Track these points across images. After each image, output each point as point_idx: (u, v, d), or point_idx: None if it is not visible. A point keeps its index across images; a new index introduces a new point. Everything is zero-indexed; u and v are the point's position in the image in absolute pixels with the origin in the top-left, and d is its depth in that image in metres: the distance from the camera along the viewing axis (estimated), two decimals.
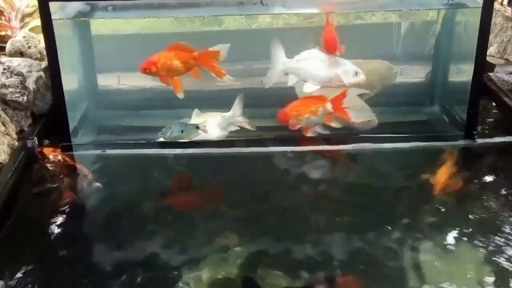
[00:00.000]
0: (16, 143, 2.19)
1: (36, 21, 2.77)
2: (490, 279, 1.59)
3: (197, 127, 2.27)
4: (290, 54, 2.31)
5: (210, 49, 2.20)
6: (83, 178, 2.11)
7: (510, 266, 1.63)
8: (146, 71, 2.21)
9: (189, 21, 2.64)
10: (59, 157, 2.17)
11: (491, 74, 2.69)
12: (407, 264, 1.66)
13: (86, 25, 2.47)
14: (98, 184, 2.07)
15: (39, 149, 2.20)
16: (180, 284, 1.58)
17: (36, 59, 2.46)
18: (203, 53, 2.21)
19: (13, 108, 2.28)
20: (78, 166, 2.19)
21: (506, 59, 2.87)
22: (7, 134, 2.16)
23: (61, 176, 2.10)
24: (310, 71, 2.26)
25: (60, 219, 1.86)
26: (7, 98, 2.26)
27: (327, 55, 2.25)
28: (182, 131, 2.27)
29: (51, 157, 2.17)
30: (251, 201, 2.01)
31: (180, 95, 2.27)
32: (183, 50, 2.21)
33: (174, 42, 2.22)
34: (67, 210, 1.91)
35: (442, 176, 2.06)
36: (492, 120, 2.50)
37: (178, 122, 2.30)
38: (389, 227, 1.81)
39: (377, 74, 2.43)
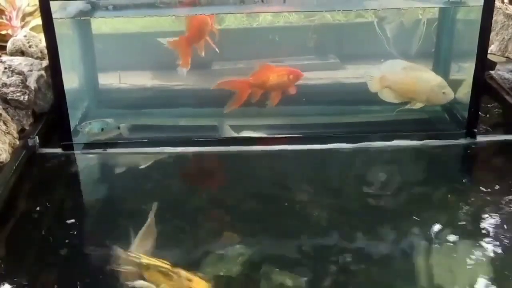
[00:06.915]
0: (18, 142, 2.20)
1: (37, 20, 2.77)
2: None
3: (118, 127, 2.26)
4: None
5: None
6: None
7: None
8: None
9: None
10: None
11: (492, 72, 2.69)
12: None
13: (87, 24, 2.47)
14: None
15: None
16: None
17: (37, 58, 2.46)
18: None
19: (14, 107, 2.29)
20: None
21: (507, 57, 2.86)
22: (8, 133, 2.16)
23: None
24: None
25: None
26: (8, 97, 2.26)
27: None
28: (102, 129, 2.26)
29: None
30: None
31: None
32: None
33: None
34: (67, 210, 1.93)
35: None
36: (493, 118, 2.50)
37: (101, 119, 2.28)
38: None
39: (424, 87, 2.30)
